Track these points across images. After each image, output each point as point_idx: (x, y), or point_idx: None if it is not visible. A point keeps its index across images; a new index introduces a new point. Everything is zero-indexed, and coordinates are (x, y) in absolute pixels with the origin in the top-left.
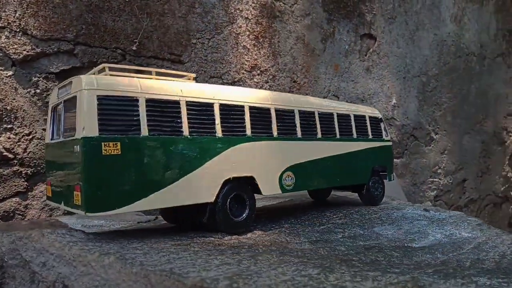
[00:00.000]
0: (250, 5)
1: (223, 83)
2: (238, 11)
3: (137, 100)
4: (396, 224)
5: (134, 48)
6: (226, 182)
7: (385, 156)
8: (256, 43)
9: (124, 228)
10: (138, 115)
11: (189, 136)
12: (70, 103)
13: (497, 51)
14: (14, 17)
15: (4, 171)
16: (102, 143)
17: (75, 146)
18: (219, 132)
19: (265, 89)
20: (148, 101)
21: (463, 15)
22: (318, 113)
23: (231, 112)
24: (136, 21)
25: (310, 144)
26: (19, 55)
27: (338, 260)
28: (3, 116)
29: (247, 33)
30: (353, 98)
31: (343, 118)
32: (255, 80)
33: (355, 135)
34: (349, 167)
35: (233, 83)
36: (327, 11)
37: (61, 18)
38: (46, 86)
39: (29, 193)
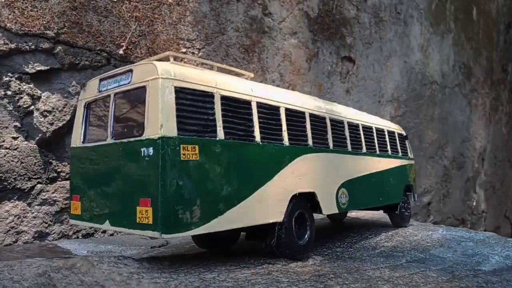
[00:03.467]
0: (241, 18)
1: None
2: (229, 22)
3: (212, 96)
4: (446, 246)
5: (121, 52)
6: (293, 198)
7: (411, 175)
8: (245, 57)
9: (164, 254)
10: (214, 114)
11: (260, 143)
12: (129, 96)
13: (455, 81)
14: None
15: None
16: (181, 146)
17: (143, 149)
18: (286, 140)
19: None
20: (223, 98)
21: (428, 45)
22: (362, 127)
23: (294, 118)
24: (124, 24)
25: (358, 159)
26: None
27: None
28: None
29: (237, 45)
30: None
31: (380, 133)
32: None
33: (389, 151)
34: (387, 184)
35: None
36: (312, 32)
37: (41, 12)
38: (19, 88)
39: None
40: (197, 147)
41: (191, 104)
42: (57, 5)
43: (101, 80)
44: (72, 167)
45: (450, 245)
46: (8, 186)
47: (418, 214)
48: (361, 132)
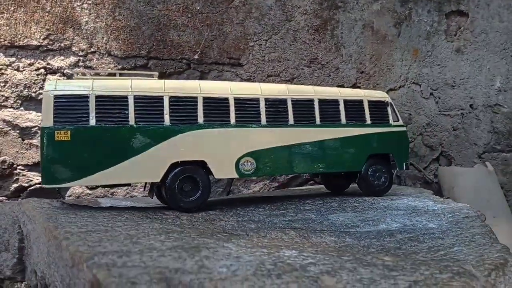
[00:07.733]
0: (309, 1)
1: (281, 81)
2: (296, 8)
3: (87, 97)
4: (362, 212)
5: (196, 57)
6: (174, 165)
7: (393, 143)
8: (315, 37)
9: (121, 206)
10: (88, 108)
11: (135, 125)
12: None
13: None
14: (102, 42)
15: None
16: (55, 131)
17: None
18: (167, 121)
19: (327, 83)
20: (98, 97)
21: None
22: (292, 100)
23: (182, 103)
24: (198, 33)
25: (276, 131)
26: (105, 73)
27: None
28: None
29: (306, 28)
30: (440, 84)
31: (328, 104)
32: (316, 74)
33: (343, 121)
34: (335, 154)
35: (291, 80)
36: None
37: (136, 38)
38: None
39: None
40: (69, 131)
41: (68, 104)
42: (147, 30)
43: None
44: None
45: (369, 211)
46: None
47: None
48: (289, 106)
